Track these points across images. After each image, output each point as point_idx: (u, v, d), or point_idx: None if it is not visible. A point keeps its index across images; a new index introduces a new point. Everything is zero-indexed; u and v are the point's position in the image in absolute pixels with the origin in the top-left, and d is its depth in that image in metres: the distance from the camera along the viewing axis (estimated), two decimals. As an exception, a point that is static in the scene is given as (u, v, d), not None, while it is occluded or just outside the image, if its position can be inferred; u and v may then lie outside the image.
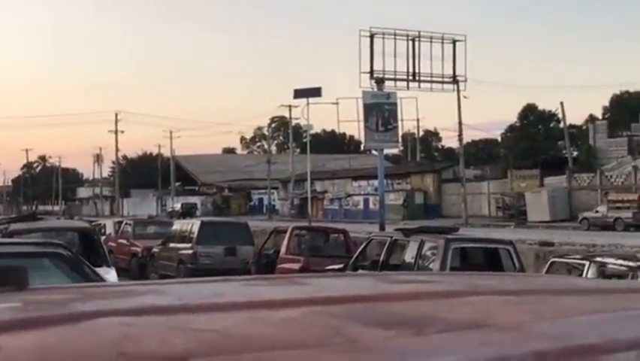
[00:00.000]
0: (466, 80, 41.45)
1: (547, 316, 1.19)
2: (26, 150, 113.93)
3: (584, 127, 68.51)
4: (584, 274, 11.74)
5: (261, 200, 76.27)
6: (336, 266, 15.57)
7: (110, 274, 10.74)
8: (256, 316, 1.15)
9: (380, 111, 38.21)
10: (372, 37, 38.33)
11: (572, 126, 67.24)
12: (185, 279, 1.97)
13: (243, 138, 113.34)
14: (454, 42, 40.45)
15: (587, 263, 11.97)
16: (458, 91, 43.41)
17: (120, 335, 1.02)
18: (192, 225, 22.68)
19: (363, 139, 41.01)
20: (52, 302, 1.28)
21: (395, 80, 39.01)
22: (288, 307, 1.20)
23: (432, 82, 40.29)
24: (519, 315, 1.20)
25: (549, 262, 13.26)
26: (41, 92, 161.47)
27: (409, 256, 14.06)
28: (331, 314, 1.15)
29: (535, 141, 69.12)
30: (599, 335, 1.10)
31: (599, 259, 12.36)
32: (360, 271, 14.51)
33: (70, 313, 1.15)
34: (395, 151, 68.74)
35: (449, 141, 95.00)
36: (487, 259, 14.25)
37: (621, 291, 1.59)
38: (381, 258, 14.34)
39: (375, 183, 45.97)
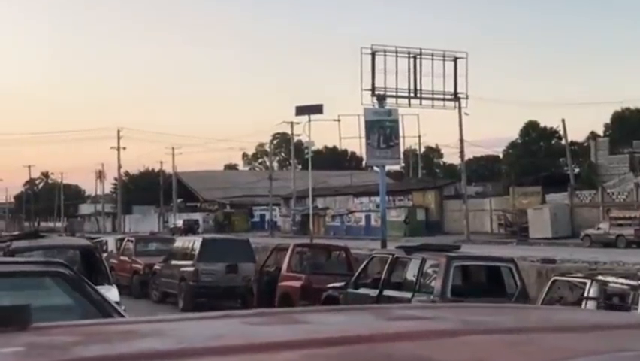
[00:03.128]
0: (467, 97, 41.50)
1: (541, 358, 1.20)
2: (29, 167, 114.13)
3: (586, 144, 68.60)
4: (585, 293, 11.72)
5: (262, 216, 76.22)
6: (338, 284, 15.57)
7: (111, 292, 10.73)
8: (254, 360, 1.17)
9: (381, 128, 38.26)
10: (373, 54, 38.43)
11: (573, 143, 67.24)
12: (185, 315, 1.97)
13: (244, 155, 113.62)
14: (455, 59, 40.55)
15: (588, 282, 11.95)
16: (460, 108, 43.46)
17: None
18: (194, 242, 22.66)
19: (364, 156, 41.06)
20: (54, 346, 1.29)
21: (396, 97, 39.09)
22: (286, 350, 1.21)
23: (433, 99, 40.35)
24: (513, 357, 1.21)
25: (551, 281, 13.22)
26: (43, 108, 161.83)
27: (411, 274, 14.06)
28: (329, 357, 1.17)
29: (537, 158, 69.18)
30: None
31: (600, 277, 12.32)
32: (361, 290, 14.54)
33: (73, 358, 1.16)
34: (397, 168, 68.66)
35: (451, 157, 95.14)
36: (488, 277, 14.26)
37: (619, 327, 1.60)
38: (383, 276, 14.34)
39: (377, 199, 45.96)
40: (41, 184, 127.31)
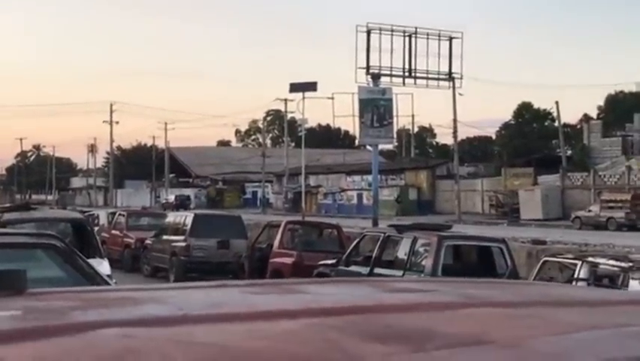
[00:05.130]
0: (461, 77, 41.52)
1: (544, 332, 1.19)
2: (20, 139, 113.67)
3: (579, 126, 68.77)
4: (575, 274, 11.78)
5: (255, 193, 76.19)
6: (329, 261, 15.60)
7: (102, 266, 10.73)
8: (256, 328, 1.16)
9: (375, 107, 38.22)
10: (368, 32, 38.31)
11: (566, 125, 67.36)
12: (184, 284, 1.98)
13: (237, 131, 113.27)
14: (450, 39, 40.46)
15: (579, 263, 12.01)
16: (454, 88, 43.42)
17: (122, 347, 1.02)
18: (186, 217, 22.66)
19: (358, 134, 41.06)
20: (52, 310, 1.28)
21: (391, 75, 39.05)
22: (287, 319, 1.21)
23: (427, 78, 40.32)
24: (516, 330, 1.20)
25: (541, 261, 13.28)
26: (36, 81, 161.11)
27: (402, 252, 14.10)
28: (330, 327, 1.16)
29: (530, 140, 69.24)
30: (597, 353, 1.10)
31: (591, 259, 12.39)
32: (353, 267, 14.58)
33: (71, 323, 1.15)
34: (389, 147, 68.75)
35: (444, 137, 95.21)
36: (479, 256, 14.32)
37: (619, 303, 1.59)
38: (374, 254, 14.37)
39: (369, 178, 45.99)
40: (33, 157, 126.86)
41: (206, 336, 1.10)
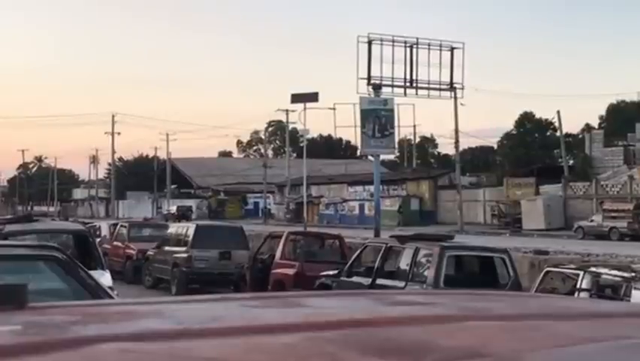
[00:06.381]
0: (463, 88, 41.47)
1: (543, 344, 1.20)
2: (22, 151, 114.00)
3: (581, 136, 68.72)
4: (578, 284, 11.77)
5: (256, 204, 76.18)
6: (331, 272, 15.60)
7: (104, 277, 10.76)
8: (255, 342, 1.16)
9: (377, 117, 38.23)
10: (370, 43, 38.33)
11: (568, 135, 67.36)
12: (184, 298, 1.97)
13: (239, 142, 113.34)
14: (451, 49, 40.47)
15: (581, 273, 12.00)
16: (455, 98, 43.43)
17: (121, 362, 1.03)
18: (187, 228, 22.65)
19: (359, 145, 41.04)
20: (53, 325, 1.29)
21: (392, 86, 39.04)
22: (286, 333, 1.21)
23: (429, 89, 40.29)
24: (515, 343, 1.21)
25: (543, 272, 13.27)
26: (38, 92, 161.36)
27: (404, 263, 14.09)
28: (328, 340, 1.16)
29: (532, 149, 69.25)
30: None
31: (593, 269, 12.38)
32: (354, 278, 14.57)
33: (71, 338, 1.16)
34: (391, 157, 68.86)
35: (445, 147, 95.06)
36: (482, 267, 14.30)
37: (619, 315, 1.60)
38: (377, 264, 14.37)
39: (371, 188, 45.98)
40: (35, 168, 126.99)
41: (205, 350, 1.11)
